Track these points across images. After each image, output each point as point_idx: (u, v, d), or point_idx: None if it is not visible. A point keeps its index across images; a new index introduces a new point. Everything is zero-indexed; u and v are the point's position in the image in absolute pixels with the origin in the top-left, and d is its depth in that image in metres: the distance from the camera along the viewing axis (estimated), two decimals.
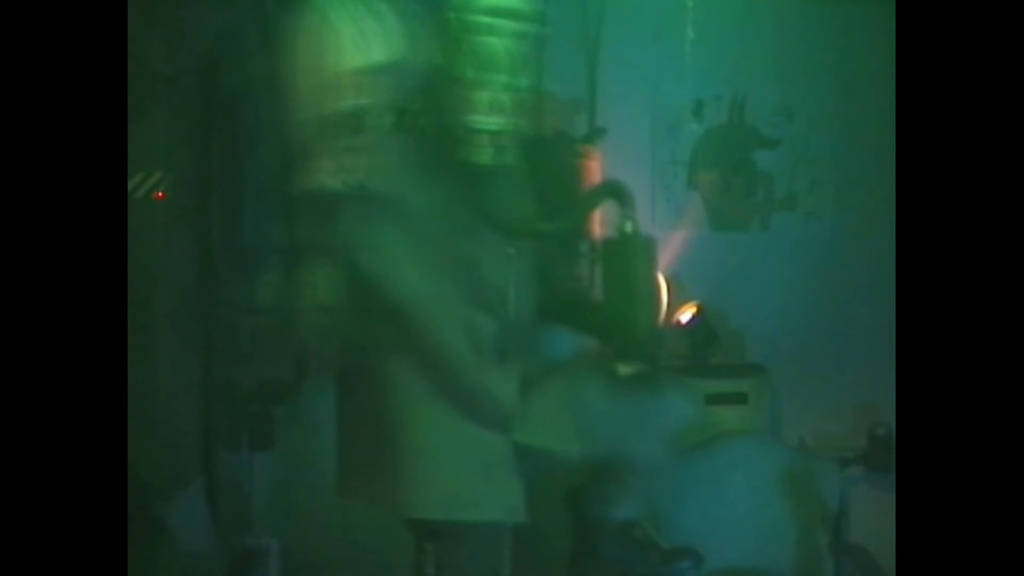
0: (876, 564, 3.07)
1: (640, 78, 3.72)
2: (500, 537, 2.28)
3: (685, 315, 3.60)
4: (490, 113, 2.10)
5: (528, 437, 2.25)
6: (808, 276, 3.83)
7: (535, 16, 2.15)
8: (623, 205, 2.34)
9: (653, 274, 2.53)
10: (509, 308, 2.22)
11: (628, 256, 2.35)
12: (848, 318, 3.78)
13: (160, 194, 2.84)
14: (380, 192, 2.16)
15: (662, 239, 3.37)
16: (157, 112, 2.67)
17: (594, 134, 3.51)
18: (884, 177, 3.23)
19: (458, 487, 2.21)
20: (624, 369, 2.50)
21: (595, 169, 3.45)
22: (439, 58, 2.10)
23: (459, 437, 2.21)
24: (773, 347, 3.71)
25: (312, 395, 2.82)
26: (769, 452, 3.30)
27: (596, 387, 2.40)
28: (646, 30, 3.65)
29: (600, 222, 2.65)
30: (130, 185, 2.70)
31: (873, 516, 3.39)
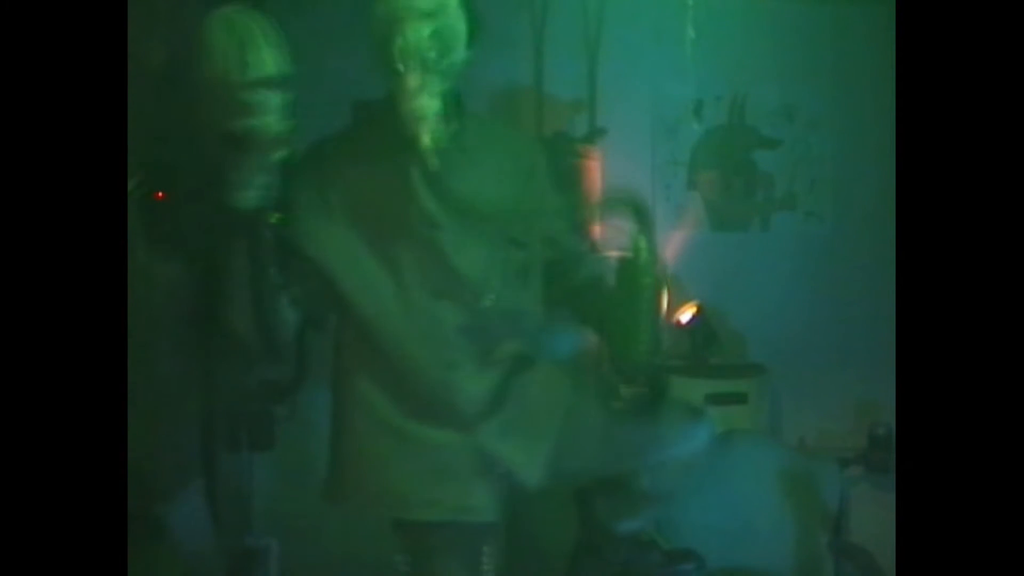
0: (876, 564, 3.07)
1: (640, 78, 3.72)
2: (478, 538, 2.24)
3: (685, 315, 3.60)
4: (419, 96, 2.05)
5: (491, 443, 2.20)
6: (808, 276, 3.83)
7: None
8: (640, 222, 2.31)
9: (659, 300, 2.53)
10: (483, 302, 2.18)
11: (638, 275, 2.32)
12: (848, 318, 3.78)
13: (160, 194, 2.82)
14: (324, 190, 2.16)
15: (662, 239, 3.38)
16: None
17: (594, 134, 3.52)
18: (884, 177, 3.25)
19: (411, 487, 2.19)
20: (626, 391, 2.49)
21: (595, 169, 3.45)
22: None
23: (411, 436, 2.18)
24: (773, 347, 3.72)
25: (312, 395, 2.82)
26: (769, 452, 3.31)
27: (595, 413, 2.35)
28: (646, 30, 3.66)
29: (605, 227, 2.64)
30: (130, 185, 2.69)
31: (873, 516, 3.39)
